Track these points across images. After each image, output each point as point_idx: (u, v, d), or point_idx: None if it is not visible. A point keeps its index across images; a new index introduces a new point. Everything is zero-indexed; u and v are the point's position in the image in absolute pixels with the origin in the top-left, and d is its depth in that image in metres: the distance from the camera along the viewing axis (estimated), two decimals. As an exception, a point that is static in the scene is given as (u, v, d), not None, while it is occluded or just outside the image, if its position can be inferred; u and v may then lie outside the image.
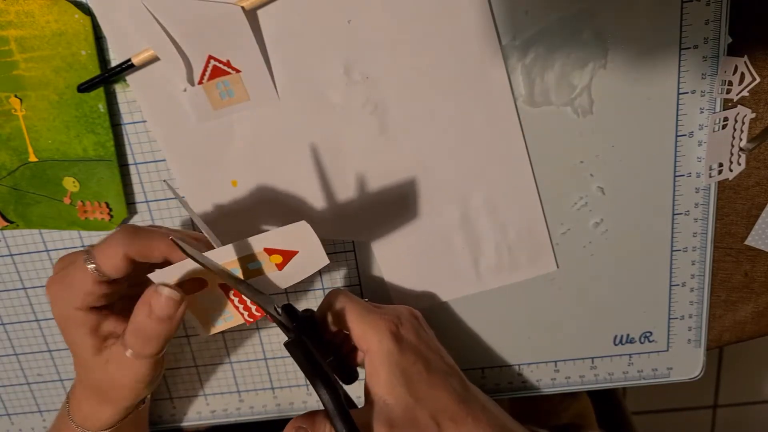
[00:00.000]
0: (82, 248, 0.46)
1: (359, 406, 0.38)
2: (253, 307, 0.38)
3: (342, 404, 0.36)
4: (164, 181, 0.35)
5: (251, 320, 0.39)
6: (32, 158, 0.43)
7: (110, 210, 0.44)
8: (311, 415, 0.38)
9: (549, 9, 0.39)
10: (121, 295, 0.39)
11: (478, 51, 0.40)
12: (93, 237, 0.46)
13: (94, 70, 0.40)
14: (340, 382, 0.40)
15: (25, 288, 0.48)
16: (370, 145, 0.42)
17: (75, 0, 0.39)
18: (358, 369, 0.41)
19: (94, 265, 0.35)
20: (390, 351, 0.38)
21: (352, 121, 0.42)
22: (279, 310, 0.38)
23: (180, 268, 0.35)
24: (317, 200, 0.44)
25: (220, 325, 0.39)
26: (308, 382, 0.38)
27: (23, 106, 0.41)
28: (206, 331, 0.39)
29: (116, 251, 0.35)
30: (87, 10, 0.39)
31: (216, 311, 0.38)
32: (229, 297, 0.38)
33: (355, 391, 0.42)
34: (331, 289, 0.41)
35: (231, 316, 0.39)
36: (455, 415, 0.38)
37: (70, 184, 0.44)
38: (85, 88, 0.40)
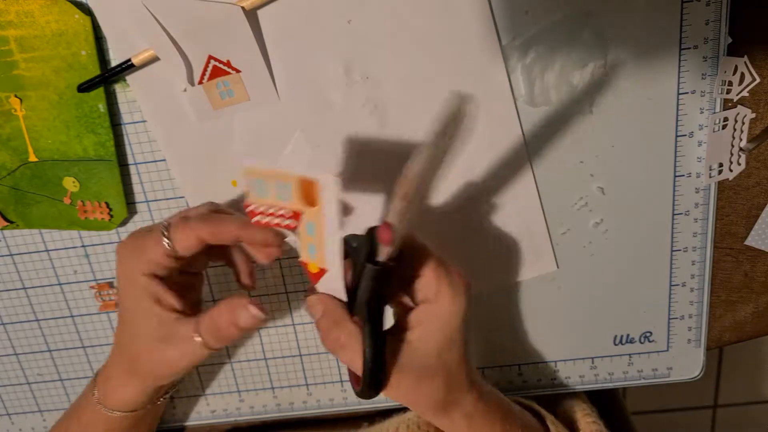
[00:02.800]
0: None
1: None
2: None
3: (381, 365, 0.34)
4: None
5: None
6: (32, 158, 0.43)
7: (110, 210, 0.44)
8: (337, 313, 0.36)
9: (549, 9, 0.39)
10: (180, 280, 0.39)
11: (478, 51, 0.40)
12: (93, 237, 0.46)
13: (94, 70, 0.40)
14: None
15: (25, 288, 0.48)
16: (370, 145, 0.42)
17: (75, 0, 0.39)
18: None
19: (168, 241, 0.36)
20: (457, 313, 0.36)
21: (352, 121, 0.42)
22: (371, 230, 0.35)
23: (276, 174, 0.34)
24: (317, 200, 0.44)
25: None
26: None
27: (23, 106, 0.41)
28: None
29: (191, 233, 0.36)
30: (87, 10, 0.39)
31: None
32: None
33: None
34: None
35: (313, 250, 0.36)
36: (465, 396, 0.38)
37: (70, 184, 0.44)
38: (85, 88, 0.40)
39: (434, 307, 0.36)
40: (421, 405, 0.38)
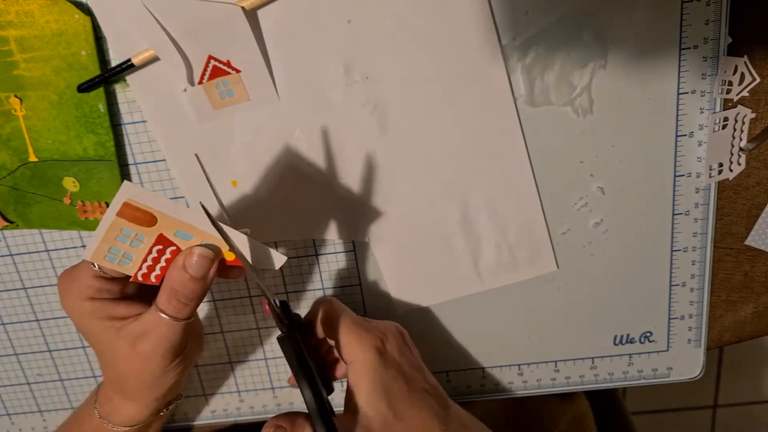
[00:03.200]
0: (83, 247, 0.46)
1: (337, 415, 0.39)
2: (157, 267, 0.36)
3: (325, 407, 0.36)
4: (200, 203, 0.35)
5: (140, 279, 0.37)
6: (32, 158, 0.43)
7: None
8: (292, 415, 0.39)
9: (549, 9, 0.39)
10: (127, 292, 0.39)
11: (478, 51, 0.40)
12: (93, 237, 0.46)
13: (94, 70, 0.40)
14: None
15: (25, 288, 0.48)
16: (370, 145, 0.42)
17: (75, 0, 0.39)
18: (340, 381, 0.42)
19: (94, 263, 0.36)
20: (373, 364, 0.39)
21: (352, 121, 0.42)
22: (277, 303, 0.38)
23: (153, 197, 0.34)
24: (317, 200, 0.44)
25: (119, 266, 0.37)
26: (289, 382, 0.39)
27: (23, 106, 0.41)
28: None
29: None
30: (87, 10, 0.39)
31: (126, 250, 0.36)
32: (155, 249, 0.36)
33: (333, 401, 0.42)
34: (322, 297, 0.42)
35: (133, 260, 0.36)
36: None
37: (70, 184, 0.44)
38: (85, 88, 0.40)
39: (352, 366, 0.39)
40: None
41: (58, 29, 0.39)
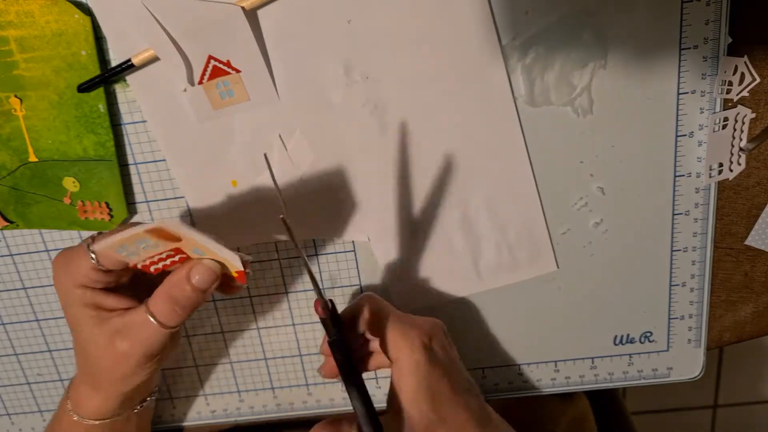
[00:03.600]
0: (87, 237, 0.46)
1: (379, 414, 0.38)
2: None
3: (374, 411, 0.36)
4: (281, 217, 0.35)
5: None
6: (32, 158, 0.43)
7: (110, 210, 0.44)
8: (337, 422, 0.38)
9: (549, 9, 0.39)
10: (121, 284, 0.39)
11: (478, 51, 0.40)
12: (93, 237, 0.46)
13: (94, 70, 0.40)
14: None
15: (25, 288, 0.48)
16: (370, 145, 0.42)
17: (75, 0, 0.39)
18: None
19: (93, 254, 0.36)
20: (419, 363, 0.38)
21: (352, 121, 0.42)
22: (330, 304, 0.37)
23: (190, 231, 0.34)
24: (317, 200, 0.44)
25: None
26: (341, 385, 0.38)
27: (23, 106, 0.41)
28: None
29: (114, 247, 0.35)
30: (87, 10, 0.39)
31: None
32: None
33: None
34: (364, 293, 0.41)
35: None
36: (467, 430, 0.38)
37: (70, 184, 0.44)
38: (85, 88, 0.40)
39: (397, 364, 0.38)
40: None
41: (58, 29, 0.39)
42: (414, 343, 0.38)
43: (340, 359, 0.37)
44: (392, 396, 0.38)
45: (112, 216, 0.44)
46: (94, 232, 0.37)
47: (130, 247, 0.35)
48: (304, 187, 0.43)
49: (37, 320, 0.49)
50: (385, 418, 0.38)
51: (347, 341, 0.38)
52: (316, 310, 0.36)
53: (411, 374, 0.38)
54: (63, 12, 0.39)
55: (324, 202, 0.44)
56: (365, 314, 0.39)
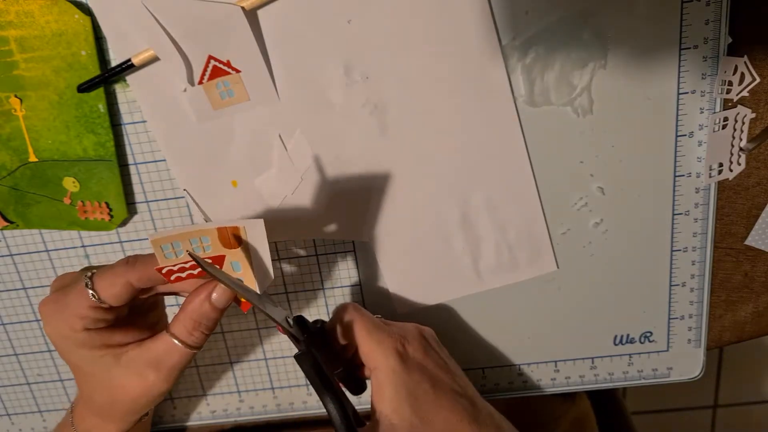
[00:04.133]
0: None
1: (366, 423, 0.38)
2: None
3: (350, 420, 0.36)
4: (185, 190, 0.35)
5: (245, 308, 0.39)
6: (32, 158, 0.43)
7: (110, 210, 0.44)
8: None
9: (549, 9, 0.39)
10: (121, 318, 0.39)
11: (478, 51, 0.40)
12: (93, 237, 0.46)
13: (94, 70, 0.40)
14: (348, 393, 0.40)
15: (25, 288, 0.48)
16: (370, 145, 0.42)
17: (75, 0, 0.39)
18: (367, 381, 0.41)
19: (92, 291, 0.35)
20: (395, 369, 0.38)
21: (352, 121, 0.42)
22: (290, 321, 0.38)
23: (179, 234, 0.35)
24: (317, 200, 0.44)
25: None
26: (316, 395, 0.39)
27: (23, 106, 0.41)
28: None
29: (118, 279, 0.35)
30: (87, 10, 0.39)
31: None
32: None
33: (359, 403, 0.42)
34: (342, 303, 0.42)
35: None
36: None
37: (70, 184, 0.44)
38: (85, 88, 0.40)
39: (375, 373, 0.38)
40: None
41: (58, 29, 0.39)
42: (387, 350, 0.38)
43: (310, 371, 0.37)
44: (373, 405, 0.39)
45: (112, 216, 0.44)
46: (89, 272, 0.37)
47: (179, 245, 0.35)
48: (303, 187, 0.43)
49: (37, 320, 0.49)
50: (366, 429, 0.38)
51: (335, 346, 0.39)
52: (278, 329, 0.38)
53: (388, 382, 0.38)
54: (63, 12, 0.39)
55: (324, 202, 0.44)
56: (342, 324, 0.40)
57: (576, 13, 0.39)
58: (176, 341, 0.36)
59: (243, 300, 0.38)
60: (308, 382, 0.38)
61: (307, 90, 0.41)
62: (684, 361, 0.50)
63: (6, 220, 0.45)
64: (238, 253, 0.36)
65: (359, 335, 0.39)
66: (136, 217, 0.45)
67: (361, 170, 0.43)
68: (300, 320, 0.38)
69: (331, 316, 0.42)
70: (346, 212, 0.44)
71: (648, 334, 0.49)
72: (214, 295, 0.36)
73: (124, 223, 0.45)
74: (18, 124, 0.42)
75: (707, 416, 1.27)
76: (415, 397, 0.38)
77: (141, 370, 0.37)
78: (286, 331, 0.37)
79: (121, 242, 0.46)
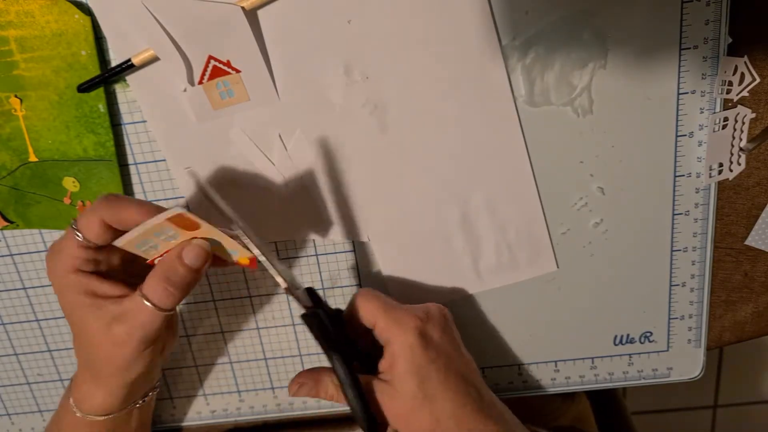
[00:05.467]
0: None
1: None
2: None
3: (353, 372, 0.37)
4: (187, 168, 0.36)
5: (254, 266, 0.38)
6: (32, 158, 0.43)
7: None
8: (315, 372, 0.39)
9: (549, 9, 0.39)
10: (113, 266, 0.39)
11: (478, 51, 0.40)
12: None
13: (94, 70, 0.40)
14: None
15: (25, 288, 0.48)
16: (370, 145, 0.42)
17: (75, 0, 0.39)
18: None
19: (76, 231, 0.36)
20: (412, 345, 0.38)
21: (352, 121, 0.42)
22: (295, 284, 0.39)
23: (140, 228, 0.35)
24: (317, 200, 0.44)
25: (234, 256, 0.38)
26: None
27: (23, 106, 0.41)
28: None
29: (94, 218, 0.36)
30: (87, 10, 0.39)
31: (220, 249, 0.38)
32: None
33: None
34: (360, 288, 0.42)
35: (236, 251, 0.38)
36: (461, 420, 0.38)
37: (70, 184, 0.44)
38: (85, 88, 0.40)
39: (389, 346, 0.39)
40: None
41: (58, 29, 0.39)
42: (406, 324, 0.38)
43: (315, 329, 0.38)
44: (382, 372, 0.39)
45: None
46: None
47: (150, 241, 0.35)
48: (303, 187, 0.43)
49: (37, 320, 0.49)
50: (370, 385, 0.38)
51: (352, 338, 0.39)
52: (287, 291, 0.38)
53: (402, 355, 0.38)
54: (63, 12, 0.39)
55: (324, 202, 0.44)
56: (356, 307, 0.40)
57: (576, 13, 0.39)
58: (145, 301, 0.36)
59: (242, 259, 0.37)
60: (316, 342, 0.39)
61: (307, 90, 0.41)
62: (684, 361, 0.50)
63: (6, 219, 0.45)
64: (205, 231, 0.35)
65: (377, 313, 0.39)
66: None
67: (361, 170, 0.43)
68: (310, 291, 0.39)
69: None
70: (346, 212, 0.44)
71: (648, 334, 0.49)
72: (188, 255, 0.36)
73: None
74: (18, 124, 0.42)
75: (707, 416, 1.27)
76: (425, 373, 0.38)
77: (110, 324, 0.37)
78: (291, 292, 0.38)
79: None
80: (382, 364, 0.39)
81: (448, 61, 0.40)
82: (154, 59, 0.39)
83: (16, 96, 0.41)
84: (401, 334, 0.38)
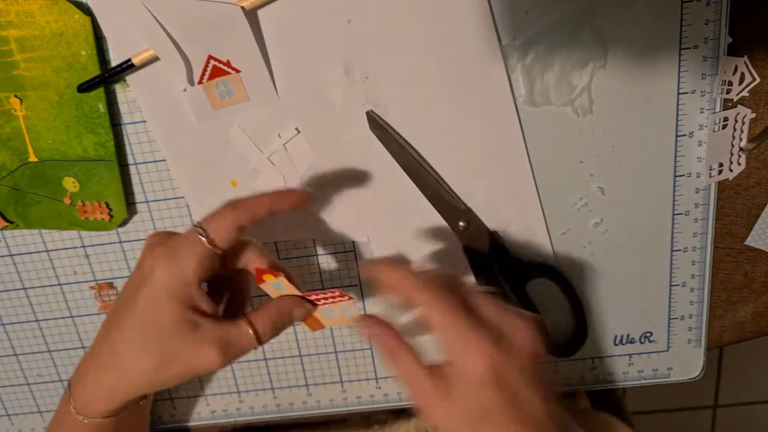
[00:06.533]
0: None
1: None
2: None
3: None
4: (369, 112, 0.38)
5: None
6: (32, 158, 0.43)
7: (110, 210, 0.44)
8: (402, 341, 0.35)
9: (549, 9, 0.39)
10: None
11: (478, 51, 0.40)
12: (93, 237, 0.46)
13: (94, 70, 0.40)
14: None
15: (25, 288, 0.48)
16: (370, 145, 0.42)
17: (75, 0, 0.39)
18: None
19: (206, 239, 0.35)
20: (474, 376, 0.32)
21: (352, 121, 0.42)
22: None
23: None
24: (317, 200, 0.44)
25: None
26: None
27: (23, 106, 0.41)
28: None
29: (228, 222, 0.36)
30: (87, 10, 0.39)
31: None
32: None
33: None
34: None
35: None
36: None
37: (70, 184, 0.44)
38: (85, 88, 0.40)
39: (449, 368, 0.33)
40: None
41: (58, 29, 0.39)
42: (476, 353, 0.32)
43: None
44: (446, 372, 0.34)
45: (112, 216, 0.44)
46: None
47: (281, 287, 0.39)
48: (303, 187, 0.43)
49: (37, 320, 0.49)
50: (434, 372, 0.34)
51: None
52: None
53: (461, 387, 0.32)
54: (63, 12, 0.39)
55: (324, 203, 0.44)
56: (420, 309, 0.34)
57: (576, 13, 0.39)
58: (251, 331, 0.37)
59: (310, 323, 0.40)
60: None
61: (307, 90, 0.41)
62: (684, 361, 0.50)
63: (6, 220, 0.45)
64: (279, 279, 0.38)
65: (447, 327, 0.33)
66: (136, 217, 0.45)
67: (360, 170, 0.43)
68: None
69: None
70: (345, 212, 0.44)
71: (648, 334, 0.49)
72: (296, 311, 0.38)
73: (124, 223, 0.45)
74: (18, 124, 0.42)
75: (707, 416, 1.27)
76: (481, 413, 0.32)
77: (208, 345, 0.36)
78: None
79: (121, 242, 0.46)
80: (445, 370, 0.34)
81: (448, 61, 0.40)
82: (154, 59, 0.39)
83: (16, 96, 0.41)
84: (466, 360, 0.32)
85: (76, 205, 0.44)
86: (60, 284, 0.48)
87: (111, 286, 0.47)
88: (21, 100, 0.41)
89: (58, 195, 0.44)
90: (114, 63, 0.40)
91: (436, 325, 0.34)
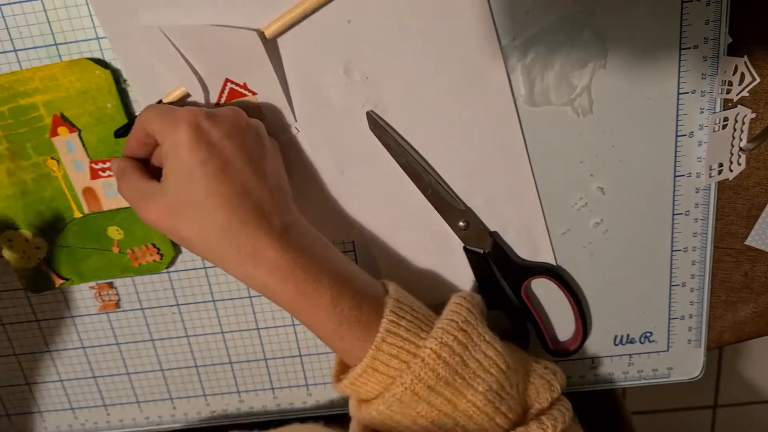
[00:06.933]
0: None
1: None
2: None
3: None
4: None
5: None
6: (77, 214, 0.44)
7: (158, 250, 0.45)
8: None
9: (549, 9, 0.39)
10: None
11: (478, 51, 0.40)
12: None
13: (121, 120, 0.41)
14: None
15: (25, 288, 0.48)
16: (369, 145, 0.42)
17: (93, 57, 0.39)
18: None
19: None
20: (178, 143, 0.33)
21: (352, 121, 0.42)
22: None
23: None
24: (317, 200, 0.44)
25: None
26: None
27: (60, 167, 0.42)
28: None
29: None
30: (105, 64, 0.40)
31: None
32: None
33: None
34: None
35: None
36: (236, 235, 0.34)
37: (114, 232, 0.44)
38: (121, 133, 0.40)
39: (162, 148, 0.35)
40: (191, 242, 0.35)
41: (82, 87, 0.40)
42: (178, 123, 0.34)
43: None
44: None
45: (161, 255, 0.45)
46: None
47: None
48: (303, 186, 0.43)
49: (38, 320, 0.49)
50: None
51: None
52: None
53: (169, 153, 0.34)
54: (84, 70, 0.40)
55: (323, 202, 0.44)
56: (140, 123, 0.36)
57: (576, 13, 0.39)
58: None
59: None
60: None
61: (307, 90, 0.41)
62: (684, 361, 0.50)
63: (60, 277, 0.46)
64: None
65: (151, 118, 0.35)
66: (184, 254, 0.46)
67: (360, 170, 0.43)
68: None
69: None
70: (345, 212, 0.44)
71: (648, 334, 0.49)
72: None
73: (173, 261, 0.46)
74: (59, 184, 0.43)
75: (707, 416, 1.27)
76: (190, 174, 0.33)
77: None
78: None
79: (170, 276, 0.47)
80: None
81: (448, 61, 0.40)
82: (185, 96, 0.40)
83: (52, 158, 0.42)
84: (171, 133, 0.34)
85: (126, 253, 0.45)
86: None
87: (111, 286, 0.47)
88: (58, 162, 0.42)
89: (106, 245, 0.45)
90: (138, 110, 0.41)
91: (153, 129, 0.35)
